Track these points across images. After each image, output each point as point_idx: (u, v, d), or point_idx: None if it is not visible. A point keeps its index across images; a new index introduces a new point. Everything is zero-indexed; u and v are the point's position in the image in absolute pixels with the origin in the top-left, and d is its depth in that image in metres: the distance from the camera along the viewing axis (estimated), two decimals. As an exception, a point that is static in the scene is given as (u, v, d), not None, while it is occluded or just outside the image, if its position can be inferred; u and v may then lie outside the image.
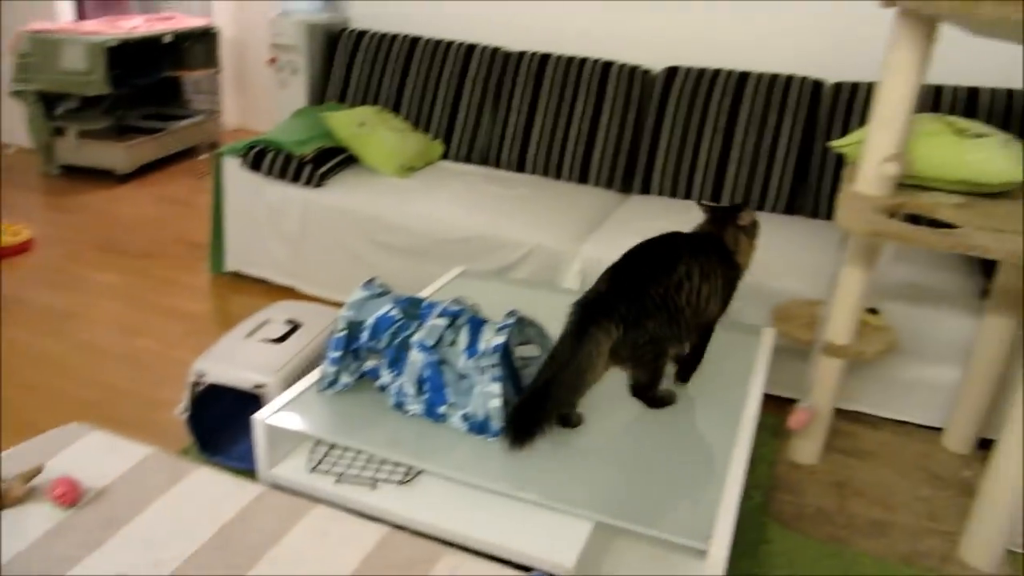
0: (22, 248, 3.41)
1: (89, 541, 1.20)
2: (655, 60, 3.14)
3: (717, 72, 2.96)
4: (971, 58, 2.67)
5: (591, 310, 1.59)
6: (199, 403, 2.01)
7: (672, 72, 3.03)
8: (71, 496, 1.26)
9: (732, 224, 1.77)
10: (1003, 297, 2.04)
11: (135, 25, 4.49)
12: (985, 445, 2.12)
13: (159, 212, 3.97)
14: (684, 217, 2.68)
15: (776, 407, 2.37)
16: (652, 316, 1.57)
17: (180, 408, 2.01)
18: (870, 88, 2.76)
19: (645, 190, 3.07)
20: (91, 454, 1.40)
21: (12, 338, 2.72)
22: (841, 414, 2.39)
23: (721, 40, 3.08)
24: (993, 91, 2.64)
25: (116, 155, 4.34)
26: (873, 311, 2.21)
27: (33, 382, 2.47)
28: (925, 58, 1.70)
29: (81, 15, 4.80)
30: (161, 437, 2.20)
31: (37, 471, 1.30)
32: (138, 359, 2.63)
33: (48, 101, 4.34)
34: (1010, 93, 2.63)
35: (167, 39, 4.58)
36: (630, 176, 3.11)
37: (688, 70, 3.01)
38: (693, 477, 1.47)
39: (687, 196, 2.97)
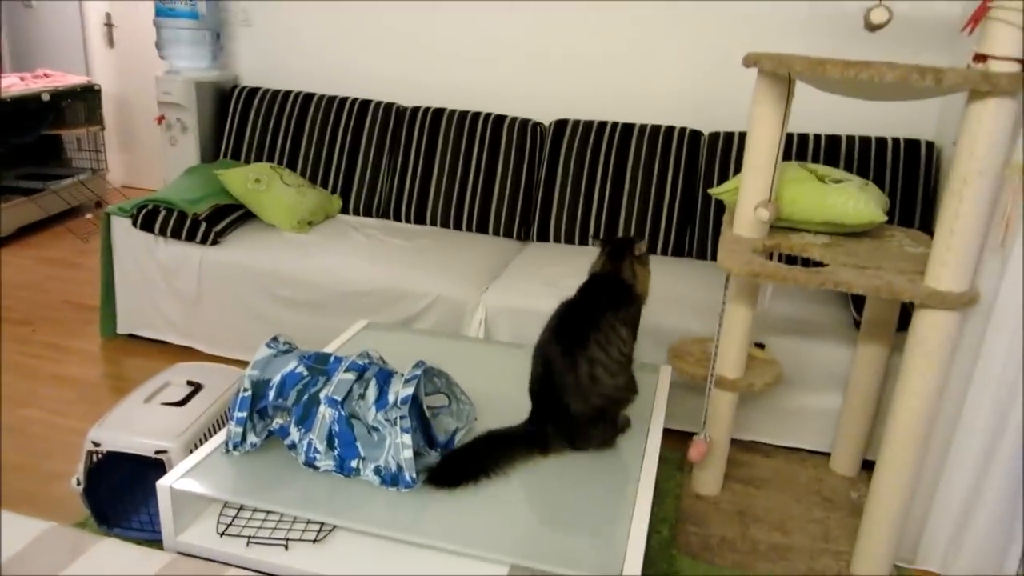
0: None
1: (-14, 626, 1.14)
2: (545, 113, 3.30)
3: (604, 124, 3.13)
4: (830, 109, 2.95)
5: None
6: (94, 473, 1.94)
7: (561, 124, 3.18)
8: (-36, 580, 1.20)
9: (630, 256, 1.86)
10: (872, 328, 2.23)
11: (10, 84, 4.33)
12: (869, 466, 2.28)
13: (42, 275, 3.79)
14: (580, 260, 2.79)
15: (677, 441, 2.48)
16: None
17: (74, 480, 1.93)
18: (742, 137, 2.98)
19: (542, 237, 3.18)
20: (-17, 535, 1.34)
21: None
22: (737, 444, 2.53)
23: (606, 95, 3.27)
24: (852, 138, 2.91)
25: (-8, 218, 4.13)
26: (760, 345, 2.36)
27: (-95, 464, 2.31)
28: (785, 111, 1.87)
29: (-49, 73, 4.59)
30: (54, 511, 2.09)
31: (-76, 557, 1.23)
32: (25, 430, 2.50)
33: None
34: (864, 140, 2.90)
35: (45, 97, 4.43)
36: (527, 224, 3.22)
37: (577, 122, 3.16)
38: (602, 514, 1.53)
39: (583, 242, 3.10)
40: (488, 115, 3.26)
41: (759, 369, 2.21)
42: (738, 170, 2.96)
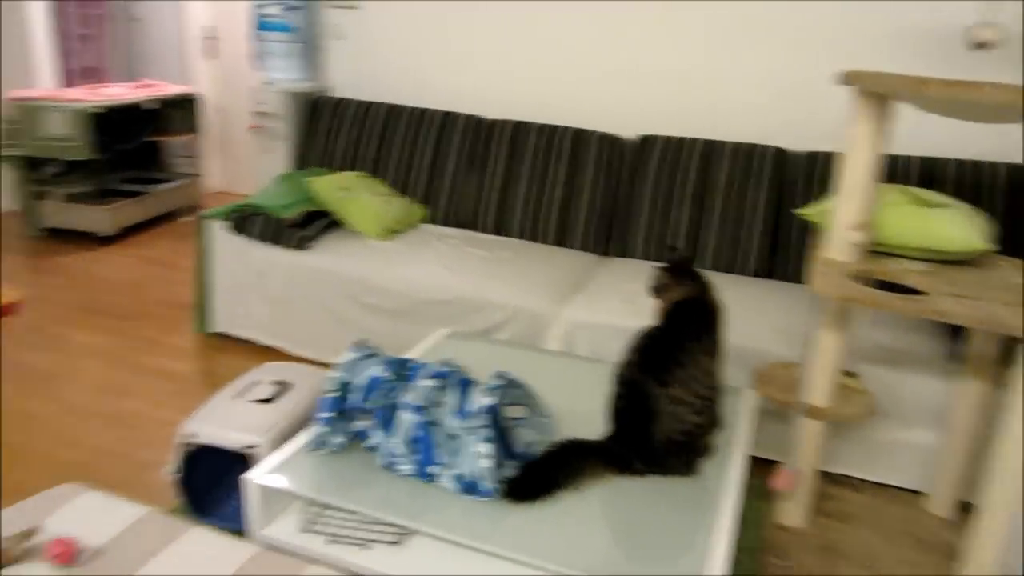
0: (7, 310, 3.39)
1: (87, 602, 1.20)
2: (630, 129, 3.28)
3: (690, 140, 3.10)
4: (934, 131, 2.84)
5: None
6: (187, 464, 2.02)
7: (647, 140, 3.16)
8: (68, 556, 1.27)
9: (697, 275, 1.82)
10: (976, 363, 2.13)
11: (117, 92, 4.58)
12: (968, 508, 2.17)
13: (142, 274, 3.99)
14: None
15: (760, 468, 2.42)
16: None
17: (169, 469, 2.01)
18: (834, 156, 2.90)
19: (624, 253, 3.16)
20: (85, 514, 1.41)
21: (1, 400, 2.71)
22: (825, 476, 2.45)
23: (693, 110, 3.24)
24: (958, 162, 2.79)
25: (99, 218, 4.37)
26: (851, 374, 2.28)
27: (20, 444, 2.45)
28: (882, 132, 1.82)
29: (67, 82, 4.89)
30: (149, 497, 2.19)
31: (33, 531, 1.31)
32: (124, 420, 2.63)
33: (33, 165, 4.38)
34: (973, 164, 2.78)
35: (149, 105, 4.67)
36: (608, 239, 3.21)
37: (663, 138, 3.14)
38: (681, 539, 1.50)
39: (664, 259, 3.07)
40: (572, 129, 3.27)
41: (850, 399, 2.13)
42: (829, 190, 2.89)
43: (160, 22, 5.44)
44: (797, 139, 3.08)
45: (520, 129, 3.33)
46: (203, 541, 1.38)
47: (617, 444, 1.73)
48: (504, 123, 3.38)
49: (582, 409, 1.93)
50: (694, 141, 3.10)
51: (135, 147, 4.90)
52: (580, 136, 3.25)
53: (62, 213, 4.41)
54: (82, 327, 3.33)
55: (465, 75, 3.61)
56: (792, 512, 2.20)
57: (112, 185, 4.73)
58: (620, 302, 2.63)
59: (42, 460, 2.38)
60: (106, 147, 4.43)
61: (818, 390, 2.05)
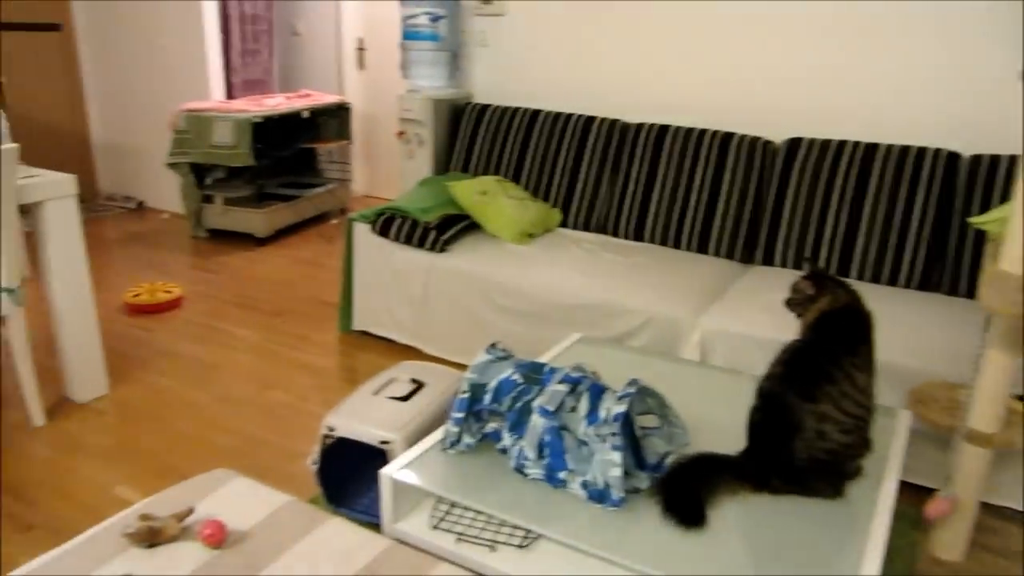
0: (174, 304, 3.70)
1: (233, 582, 1.27)
2: (776, 131, 3.14)
3: (843, 143, 2.92)
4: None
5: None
6: (327, 455, 2.10)
7: (795, 143, 3.01)
8: (218, 537, 1.34)
9: (843, 284, 1.71)
10: None
11: (277, 103, 4.88)
12: None
13: (293, 273, 4.22)
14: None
15: (913, 495, 2.24)
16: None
17: (310, 459, 2.11)
18: (1012, 161, 2.65)
19: (767, 261, 3.03)
20: (235, 499, 1.49)
21: (164, 386, 2.94)
22: (987, 508, 2.23)
23: (845, 111, 3.05)
24: None
25: (256, 220, 4.67)
26: (1022, 399, 2.07)
27: (182, 429, 2.65)
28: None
29: (230, 95, 5.26)
30: (292, 485, 2.30)
31: (189, 512, 1.40)
32: (272, 410, 2.78)
33: (198, 172, 4.74)
34: None
35: (305, 114, 4.94)
36: (751, 247, 3.08)
37: (812, 141, 2.98)
38: (826, 566, 1.41)
39: (811, 268, 2.91)
40: (715, 132, 3.16)
41: (1019, 426, 1.93)
42: (1005, 197, 2.64)
43: (317, 36, 5.76)
44: (959, 141, 2.84)
45: (661, 133, 3.26)
46: (340, 532, 1.42)
47: (754, 460, 1.64)
48: (645, 127, 3.32)
49: (717, 422, 1.86)
50: (844, 143, 2.92)
51: (291, 154, 5.21)
52: (724, 139, 3.14)
53: (223, 216, 4.74)
54: (237, 322, 3.56)
55: (606, 79, 3.58)
56: (948, 544, 2.02)
57: (269, 189, 5.04)
58: (761, 311, 2.51)
59: (199, 445, 2.56)
60: (264, 154, 4.72)
61: (984, 415, 1.86)
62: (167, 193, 5.25)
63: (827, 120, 3.09)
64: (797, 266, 2.94)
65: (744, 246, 3.07)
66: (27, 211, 2.59)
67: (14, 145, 2.40)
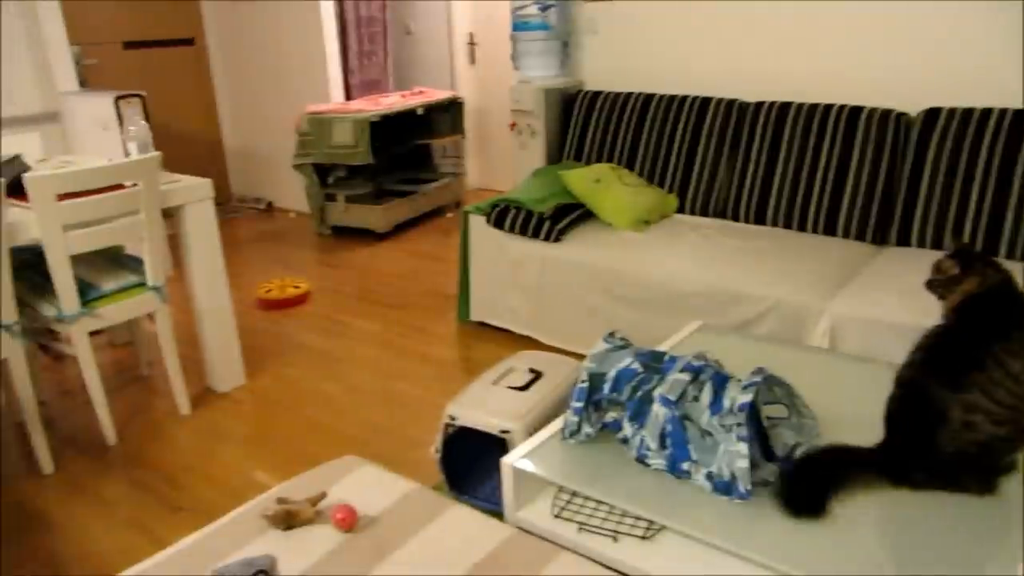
0: (301, 299, 3.88)
1: (363, 565, 1.32)
2: (910, 103, 2.94)
3: (987, 112, 2.71)
4: None
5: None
6: (449, 444, 2.15)
7: (933, 114, 2.81)
8: (349, 521, 1.40)
9: (992, 263, 1.58)
10: None
11: (393, 101, 5.01)
12: None
13: (411, 266, 4.33)
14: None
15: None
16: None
17: (433, 448, 2.16)
18: None
19: (903, 241, 2.85)
20: (363, 485, 1.55)
21: (295, 377, 3.09)
22: None
23: (991, 76, 2.81)
24: None
25: (375, 216, 4.82)
26: None
27: (312, 418, 2.78)
28: None
29: (348, 96, 5.45)
30: (416, 473, 2.36)
31: (322, 496, 1.46)
32: (395, 400, 2.87)
33: (321, 172, 4.94)
34: None
35: (419, 112, 5.05)
36: (884, 226, 2.90)
37: (952, 111, 2.77)
38: (973, 566, 1.31)
39: (951, 247, 2.72)
40: (842, 107, 3.00)
41: None
42: None
43: (430, 33, 5.87)
44: None
45: (783, 110, 3.13)
46: (463, 519, 1.45)
47: (893, 452, 1.55)
48: (765, 105, 3.19)
49: (850, 412, 1.76)
50: (989, 112, 2.70)
51: (407, 150, 5.34)
52: (852, 113, 2.97)
53: (345, 213, 4.92)
54: (360, 315, 3.69)
55: (721, 58, 3.47)
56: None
57: (387, 186, 5.19)
58: (898, 295, 2.36)
59: (328, 432, 2.67)
60: (382, 152, 4.86)
61: None
62: (293, 193, 5.50)
63: (970, 87, 2.86)
64: (936, 246, 2.75)
65: (876, 226, 2.90)
66: (169, 215, 2.77)
67: (157, 153, 2.58)
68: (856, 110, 2.97)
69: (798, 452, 1.63)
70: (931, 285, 1.66)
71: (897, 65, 3.00)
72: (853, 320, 2.37)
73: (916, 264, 2.59)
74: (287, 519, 1.40)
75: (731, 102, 3.29)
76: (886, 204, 2.89)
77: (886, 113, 2.90)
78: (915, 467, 1.51)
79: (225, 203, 5.82)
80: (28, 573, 2.05)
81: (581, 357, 1.77)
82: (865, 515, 1.44)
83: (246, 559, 1.31)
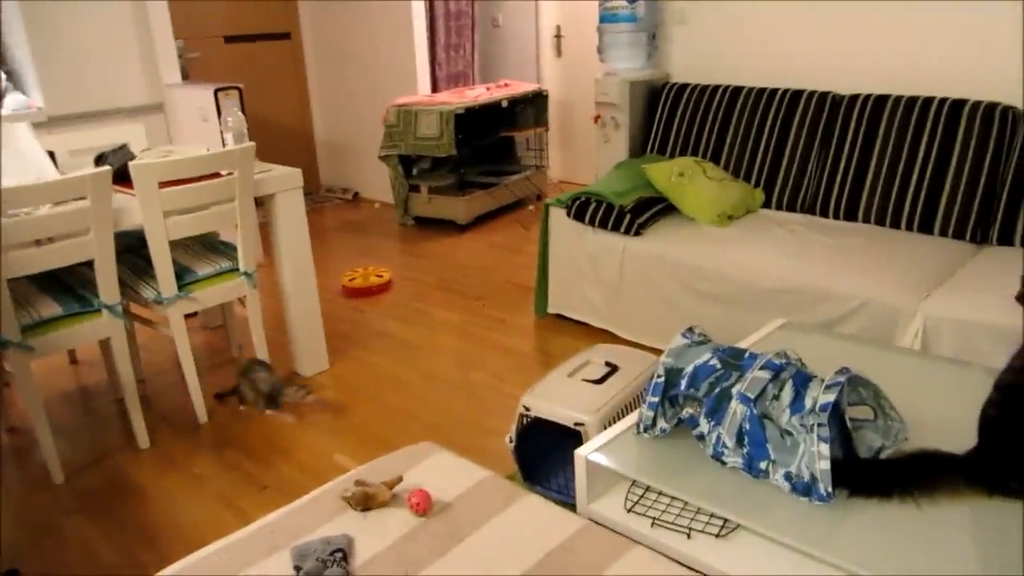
0: (384, 288, 3.97)
1: (436, 549, 1.34)
2: (1017, 96, 2.77)
3: (1104, 104, 2.54)
4: None
5: None
6: (524, 434, 2.16)
7: (1042, 107, 2.66)
8: (424, 506, 1.43)
9: None
10: None
11: (478, 94, 5.05)
12: None
13: (491, 258, 4.37)
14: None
15: None
16: None
17: (508, 438, 2.17)
18: None
19: (1005, 240, 2.70)
20: (439, 471, 1.58)
21: (376, 364, 3.17)
22: None
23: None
24: None
25: (458, 207, 4.88)
26: None
27: (391, 404, 2.85)
28: None
29: (434, 88, 5.53)
30: (489, 462, 2.38)
31: (398, 480, 1.50)
32: (472, 390, 2.91)
33: (406, 163, 5.03)
34: None
35: (504, 104, 5.08)
36: (986, 224, 2.76)
37: (1064, 104, 2.61)
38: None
39: (1061, 248, 2.56)
40: (943, 100, 2.86)
41: None
42: None
43: (516, 26, 5.89)
44: None
45: (878, 103, 3.01)
46: (536, 508, 1.46)
47: (988, 459, 1.47)
48: (859, 98, 3.07)
49: (942, 417, 1.69)
50: (1109, 103, 2.53)
51: (490, 142, 5.38)
52: (953, 107, 2.83)
53: (428, 204, 5.00)
54: (440, 304, 3.74)
55: (814, 50, 3.35)
56: None
57: (470, 178, 5.25)
58: (998, 296, 2.24)
59: (406, 419, 2.73)
60: (466, 144, 4.92)
61: None
62: (378, 184, 5.63)
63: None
64: (1043, 246, 2.60)
65: (976, 224, 2.76)
66: (261, 203, 2.88)
67: (251, 143, 2.68)
68: (958, 103, 2.82)
69: (884, 455, 1.58)
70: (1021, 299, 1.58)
71: (1002, 57, 2.83)
72: (948, 321, 2.27)
73: (1018, 264, 2.45)
74: (364, 501, 1.45)
75: (824, 94, 3.18)
76: (987, 202, 2.74)
77: (991, 106, 2.76)
78: (1012, 475, 1.43)
79: (314, 192, 6.00)
80: (124, 541, 2.18)
81: (659, 352, 1.75)
82: (954, 524, 1.38)
83: (324, 538, 1.35)
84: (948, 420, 1.64)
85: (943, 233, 2.81)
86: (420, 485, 1.50)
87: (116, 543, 2.17)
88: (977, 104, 2.78)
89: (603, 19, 3.79)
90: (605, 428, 1.79)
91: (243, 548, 1.38)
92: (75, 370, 3.28)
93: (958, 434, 1.53)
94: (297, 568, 1.27)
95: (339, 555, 1.28)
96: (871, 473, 1.49)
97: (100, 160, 2.80)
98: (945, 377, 1.90)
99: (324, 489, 1.55)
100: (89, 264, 2.41)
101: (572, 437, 2.00)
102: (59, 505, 2.36)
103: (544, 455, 2.26)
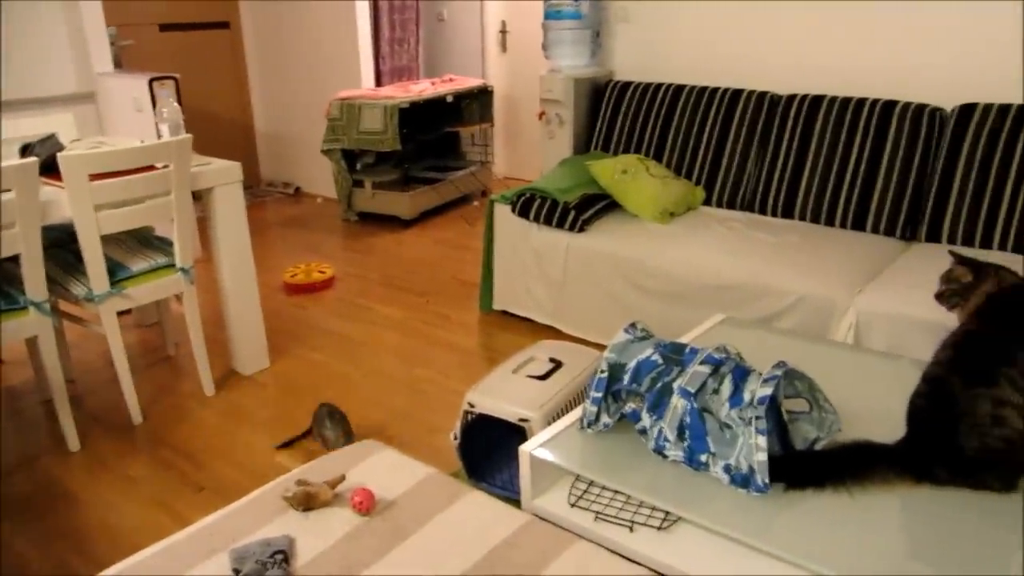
0: (327, 284, 3.91)
1: (379, 548, 1.33)
2: (946, 98, 2.88)
3: (1024, 107, 2.65)
4: None
5: None
6: (468, 431, 2.16)
7: (968, 110, 2.76)
8: (367, 504, 1.41)
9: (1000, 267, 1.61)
10: None
11: (422, 88, 5.01)
12: None
13: (436, 254, 4.35)
14: (981, 268, 2.39)
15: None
16: None
17: (452, 434, 2.17)
18: None
19: (933, 237, 2.80)
20: (382, 469, 1.56)
21: (318, 361, 3.12)
22: None
23: (1029, 72, 2.76)
24: None
25: (402, 203, 4.84)
26: None
27: (333, 402, 2.80)
28: None
29: (378, 82, 5.46)
30: (434, 459, 2.37)
31: (341, 479, 1.48)
32: (416, 386, 2.89)
33: (350, 158, 4.97)
34: None
35: (448, 99, 5.05)
36: (914, 222, 2.86)
37: (988, 107, 2.72)
38: (995, 566, 1.29)
39: (985, 245, 2.67)
40: (876, 101, 2.95)
41: None
42: None
43: (462, 21, 5.86)
44: None
45: (815, 103, 3.09)
46: (480, 505, 1.46)
47: (916, 449, 1.53)
48: (796, 98, 3.15)
49: (874, 408, 1.74)
50: (1029, 107, 2.64)
51: (435, 138, 5.35)
52: (885, 108, 2.92)
53: (372, 199, 4.95)
54: (384, 301, 3.71)
55: (753, 50, 3.42)
56: None
57: (414, 173, 5.21)
58: (926, 291, 2.31)
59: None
60: (410, 138, 4.88)
61: None
62: (321, 179, 5.54)
63: (1003, 83, 2.80)
64: (967, 242, 2.71)
65: (906, 222, 2.86)
66: (198, 197, 2.80)
67: (188, 135, 2.61)
68: (890, 104, 2.92)
69: (818, 446, 1.62)
70: (943, 296, 1.68)
71: (933, 59, 2.94)
72: (879, 316, 2.34)
73: (946, 261, 2.55)
74: (306, 501, 1.42)
75: (762, 94, 3.25)
76: (917, 200, 2.85)
77: (920, 108, 2.86)
78: (938, 464, 1.49)
79: (254, 186, 5.88)
80: (54, 548, 2.10)
81: (603, 348, 1.77)
82: (885, 511, 1.42)
83: (265, 539, 1.33)
84: (879, 411, 1.70)
85: (875, 230, 2.90)
86: (363, 484, 1.48)
87: (46, 551, 2.09)
88: (907, 105, 2.88)
89: (548, 16, 3.80)
90: (549, 424, 1.79)
91: (180, 551, 1.34)
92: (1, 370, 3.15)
93: (888, 424, 1.58)
94: (236, 571, 1.24)
95: (279, 557, 1.26)
96: (806, 465, 1.53)
97: (26, 151, 2.68)
98: (876, 369, 1.96)
99: (264, 489, 1.52)
100: (14, 259, 2.32)
101: (517, 433, 2.01)
102: (-17, 511, 2.27)
103: (489, 452, 2.26)
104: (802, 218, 3.07)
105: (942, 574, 1.26)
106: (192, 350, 2.83)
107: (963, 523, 1.38)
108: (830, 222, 3.00)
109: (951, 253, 1.76)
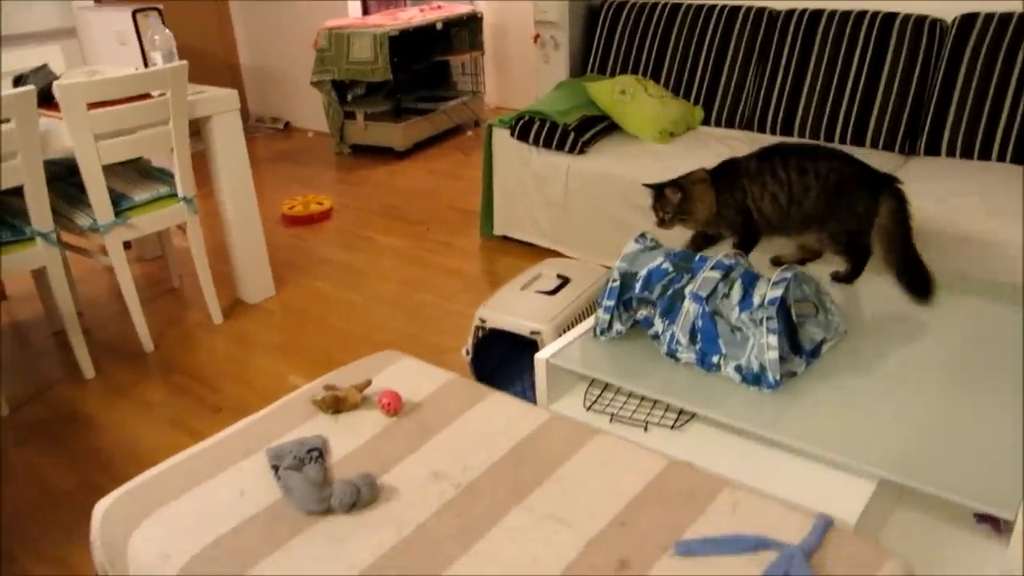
0: (325, 216, 3.91)
1: (410, 444, 1.38)
2: (946, 8, 2.86)
3: (1024, 16, 2.65)
4: None
5: None
6: (479, 347, 2.20)
7: (969, 19, 2.75)
8: (395, 406, 1.45)
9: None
10: None
11: (411, 16, 4.92)
12: None
13: (432, 184, 4.34)
14: (980, 177, 2.46)
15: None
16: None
17: (464, 350, 2.21)
18: None
19: (932, 151, 2.82)
20: (405, 375, 1.60)
21: (322, 289, 3.15)
22: None
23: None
24: None
25: (395, 134, 4.80)
26: None
27: (340, 327, 2.84)
28: None
29: (365, 11, 5.35)
30: (445, 378, 2.44)
31: (367, 384, 1.52)
32: (420, 310, 2.93)
33: (340, 90, 4.89)
34: None
35: (438, 26, 4.96)
36: (914, 135, 2.87)
37: (989, 16, 2.71)
38: (999, 438, 1.35)
39: (984, 156, 2.69)
40: (875, 13, 2.93)
41: None
42: None
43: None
44: None
45: (813, 17, 3.06)
46: (503, 404, 1.51)
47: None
48: (794, 12, 3.12)
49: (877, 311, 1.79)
50: (1029, 16, 2.64)
51: (426, 67, 5.27)
52: (884, 20, 2.91)
53: (364, 131, 4.90)
54: (383, 231, 3.72)
55: (749, -35, 3.37)
56: None
57: (406, 104, 5.15)
58: (932, 201, 2.36)
59: (357, 341, 2.74)
60: (401, 67, 4.80)
61: None
62: (311, 113, 5.46)
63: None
64: (966, 155, 2.73)
65: (905, 136, 2.87)
66: (194, 132, 2.77)
67: (183, 62, 2.57)
68: (889, 16, 2.90)
69: (825, 347, 1.68)
70: (666, 221, 2.09)
71: (933, -31, 2.92)
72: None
73: (945, 172, 2.58)
74: (335, 404, 1.46)
75: (760, 10, 3.22)
76: (915, 114, 2.86)
77: (920, 19, 2.84)
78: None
79: (243, 123, 5.78)
80: (79, 469, 2.15)
81: (606, 269, 1.80)
82: (897, 392, 1.48)
83: (299, 439, 1.37)
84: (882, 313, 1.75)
85: (874, 145, 2.92)
86: (390, 387, 1.52)
87: (71, 471, 2.14)
88: (907, 17, 2.87)
89: (540, -65, 3.71)
90: (560, 337, 1.84)
91: (217, 453, 1.39)
92: (5, 306, 3.16)
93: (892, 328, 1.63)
94: (275, 467, 1.29)
95: (315, 453, 1.30)
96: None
97: (19, 81, 2.64)
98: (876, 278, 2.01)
99: (293, 396, 1.56)
100: (17, 192, 2.31)
101: (527, 348, 2.05)
102: (4, 438, 2.30)
103: (497, 369, 2.31)
104: (801, 134, 3.08)
105: (949, 462, 1.33)
106: (197, 281, 2.85)
107: (980, 395, 1.44)
108: (829, 137, 3.01)
109: (646, 186, 2.07)
